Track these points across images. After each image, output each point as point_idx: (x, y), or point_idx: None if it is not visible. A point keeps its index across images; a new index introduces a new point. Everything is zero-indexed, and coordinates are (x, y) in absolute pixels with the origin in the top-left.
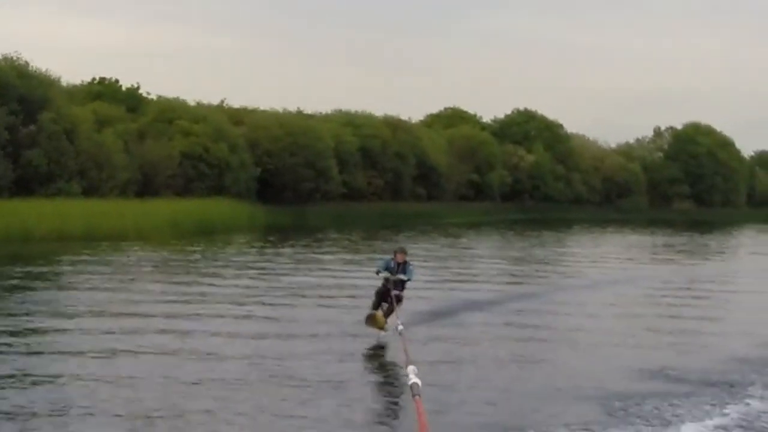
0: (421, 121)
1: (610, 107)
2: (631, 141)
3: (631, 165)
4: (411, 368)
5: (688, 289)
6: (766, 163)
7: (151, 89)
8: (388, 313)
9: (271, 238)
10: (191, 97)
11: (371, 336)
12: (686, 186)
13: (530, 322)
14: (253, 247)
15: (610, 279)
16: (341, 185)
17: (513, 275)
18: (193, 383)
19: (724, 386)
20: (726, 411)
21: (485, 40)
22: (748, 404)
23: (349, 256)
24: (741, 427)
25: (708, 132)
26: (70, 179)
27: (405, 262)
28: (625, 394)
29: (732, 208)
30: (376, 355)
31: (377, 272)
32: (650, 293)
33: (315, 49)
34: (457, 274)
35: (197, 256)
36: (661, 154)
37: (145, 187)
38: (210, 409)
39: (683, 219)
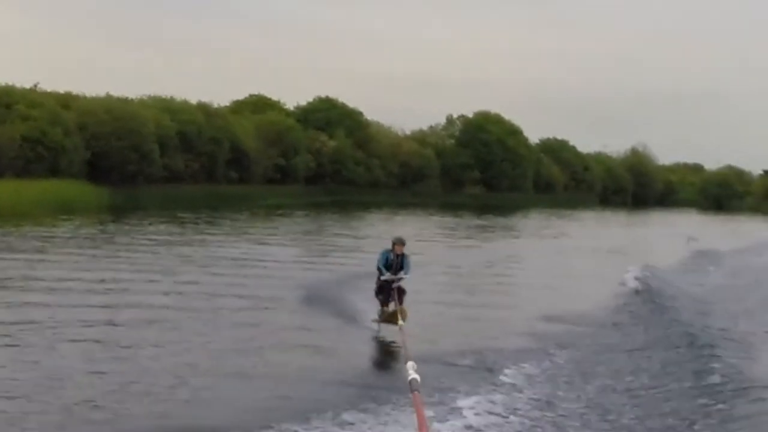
0: (227, 107)
1: (405, 94)
2: (425, 128)
3: (425, 151)
4: (410, 364)
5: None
6: (550, 150)
7: None
8: (396, 305)
9: (151, 217)
10: None
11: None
12: (477, 171)
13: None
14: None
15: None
16: (162, 168)
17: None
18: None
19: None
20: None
21: (285, 27)
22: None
23: (253, 231)
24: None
25: (497, 120)
26: None
27: (403, 254)
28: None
29: (520, 193)
30: (373, 348)
31: (379, 270)
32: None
33: (99, 30)
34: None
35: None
36: (453, 141)
37: None
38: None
39: (475, 203)
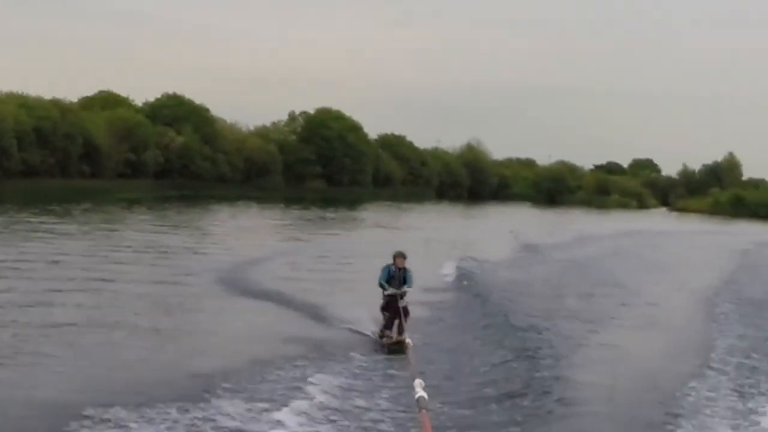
0: (76, 102)
1: (248, 91)
2: (268, 124)
3: (268, 146)
4: (417, 382)
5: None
6: (389, 145)
7: None
8: (401, 330)
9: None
10: None
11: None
12: (318, 167)
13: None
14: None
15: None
16: (20, 162)
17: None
18: None
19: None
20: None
21: (131, 23)
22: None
23: (129, 222)
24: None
25: (337, 117)
26: None
27: (404, 268)
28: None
29: (360, 187)
30: (377, 365)
31: (381, 286)
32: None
33: None
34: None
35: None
36: (295, 137)
37: None
38: None
39: (317, 197)
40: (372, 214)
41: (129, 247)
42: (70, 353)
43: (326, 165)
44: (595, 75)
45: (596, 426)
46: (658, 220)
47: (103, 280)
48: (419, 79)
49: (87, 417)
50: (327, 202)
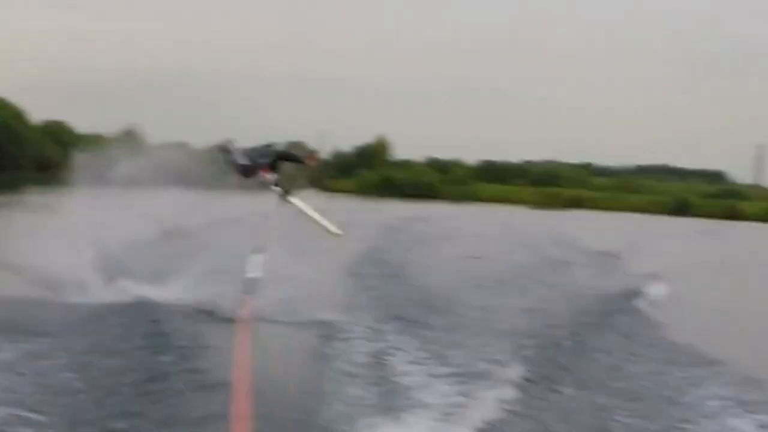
0: None
1: None
2: None
3: None
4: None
5: None
6: (51, 131)
7: None
8: None
9: None
10: None
11: None
12: None
13: None
14: None
15: None
16: None
17: None
18: None
19: None
20: None
21: None
22: None
23: None
24: None
25: (1, 105)
26: None
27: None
28: None
29: (22, 173)
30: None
31: None
32: None
33: None
34: None
35: None
36: None
37: None
38: None
39: None
40: (52, 198)
41: None
42: None
43: None
44: (254, 60)
45: None
46: (307, 201)
47: None
48: (82, 64)
49: None
50: None
